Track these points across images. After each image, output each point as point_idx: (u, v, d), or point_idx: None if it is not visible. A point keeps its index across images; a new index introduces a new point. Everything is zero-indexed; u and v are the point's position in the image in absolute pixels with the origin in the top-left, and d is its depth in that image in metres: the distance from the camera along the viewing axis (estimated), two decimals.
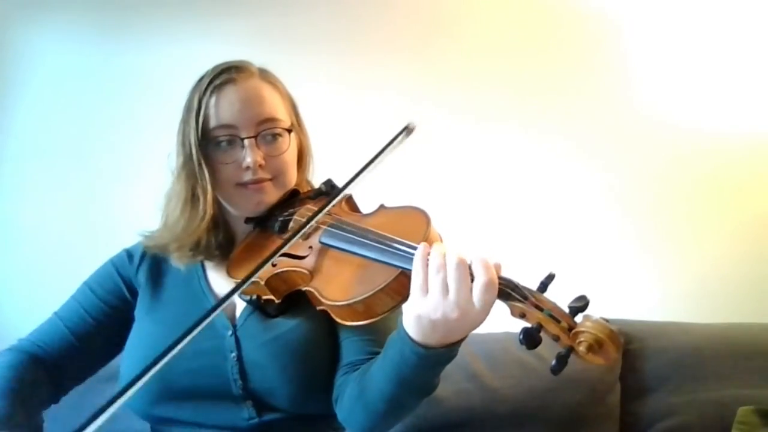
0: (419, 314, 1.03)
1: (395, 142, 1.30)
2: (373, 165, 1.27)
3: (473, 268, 1.00)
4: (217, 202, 1.36)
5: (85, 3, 2.48)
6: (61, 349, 1.42)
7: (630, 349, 2.13)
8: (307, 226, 1.22)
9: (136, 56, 2.47)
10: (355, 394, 1.22)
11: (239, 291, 1.16)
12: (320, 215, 1.24)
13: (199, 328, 1.09)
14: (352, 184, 1.27)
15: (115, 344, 1.42)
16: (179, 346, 1.07)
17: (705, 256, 2.46)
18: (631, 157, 2.48)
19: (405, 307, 1.06)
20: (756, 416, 1.90)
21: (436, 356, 1.06)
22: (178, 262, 1.39)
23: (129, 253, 1.49)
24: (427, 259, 1.03)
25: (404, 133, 1.31)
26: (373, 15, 2.48)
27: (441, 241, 1.16)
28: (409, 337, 1.06)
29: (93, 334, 1.43)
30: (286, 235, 1.32)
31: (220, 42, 2.40)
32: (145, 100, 2.42)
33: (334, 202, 1.27)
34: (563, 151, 2.48)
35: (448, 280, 1.00)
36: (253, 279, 1.28)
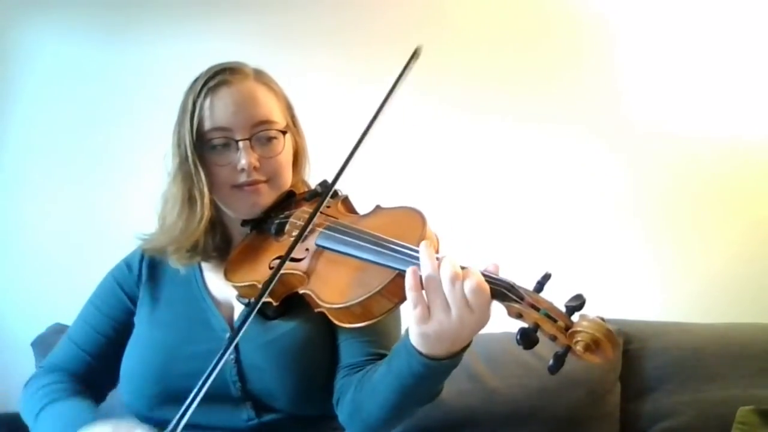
0: (425, 332, 1.03)
1: (407, 70, 1.32)
2: (387, 100, 1.30)
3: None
4: (213, 204, 1.36)
5: (83, 3, 2.48)
6: (83, 370, 1.44)
7: (630, 349, 2.14)
8: (308, 226, 1.22)
9: (134, 55, 2.47)
10: (357, 400, 1.22)
11: (260, 303, 1.17)
12: (325, 199, 1.25)
13: (221, 363, 1.10)
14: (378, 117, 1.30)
15: None
16: (202, 392, 1.09)
17: (706, 256, 2.47)
18: (634, 157, 2.48)
19: (409, 324, 1.07)
20: (756, 416, 1.90)
21: (443, 366, 1.07)
22: (176, 264, 1.39)
23: (127, 264, 1.49)
24: (421, 283, 1.02)
25: (414, 58, 1.33)
26: (370, 11, 2.48)
27: (437, 240, 1.15)
28: (416, 351, 1.07)
29: (108, 351, 1.44)
30: (284, 239, 1.32)
31: (218, 40, 2.40)
32: (144, 99, 2.42)
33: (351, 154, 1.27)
34: (566, 149, 2.49)
35: (447, 298, 1.00)
36: (249, 282, 1.29)
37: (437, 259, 1.03)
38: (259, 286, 1.26)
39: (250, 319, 1.14)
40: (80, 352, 1.44)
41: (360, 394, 1.21)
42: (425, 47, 2.44)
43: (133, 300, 1.46)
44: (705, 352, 2.11)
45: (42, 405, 1.35)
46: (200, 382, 1.09)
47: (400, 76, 1.31)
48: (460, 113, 2.46)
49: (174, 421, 1.08)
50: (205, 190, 1.32)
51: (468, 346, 1.08)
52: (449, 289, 1.00)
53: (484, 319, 1.01)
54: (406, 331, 1.09)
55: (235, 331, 1.15)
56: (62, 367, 1.45)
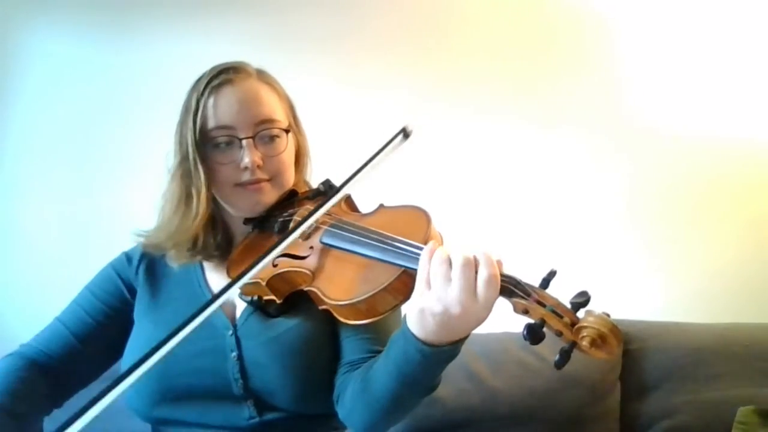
0: (422, 309, 1.03)
1: (391, 145, 1.30)
2: (369, 167, 1.27)
3: (477, 262, 1.01)
4: (213, 202, 1.37)
5: (84, 3, 2.48)
6: (64, 352, 1.42)
7: (630, 349, 2.13)
8: (302, 226, 1.22)
9: (135, 55, 2.48)
10: (357, 392, 1.22)
11: (238, 285, 1.16)
12: (316, 215, 1.24)
13: (198, 320, 1.08)
14: (348, 185, 1.27)
15: (118, 347, 1.42)
16: (175, 340, 1.06)
17: (706, 256, 2.47)
18: (634, 157, 2.48)
19: (408, 303, 1.07)
20: (756, 416, 1.90)
21: (439, 354, 1.07)
22: (175, 261, 1.39)
23: (128, 256, 1.50)
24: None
25: (401, 136, 1.31)
26: (371, 14, 2.49)
27: (441, 239, 1.16)
28: (413, 335, 1.06)
29: (95, 336, 1.43)
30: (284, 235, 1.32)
31: (219, 41, 2.41)
32: (144, 99, 2.43)
33: (330, 202, 1.26)
34: (566, 149, 2.49)
35: (452, 276, 1.00)
36: (253, 279, 1.28)
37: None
38: (263, 283, 1.26)
39: (237, 285, 1.15)
40: (67, 333, 1.42)
41: (359, 386, 1.22)
42: (423, 47, 2.47)
43: (131, 289, 1.46)
44: (705, 352, 2.10)
45: None
46: (184, 321, 1.08)
47: (383, 148, 1.30)
48: (461, 113, 2.46)
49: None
50: (203, 188, 1.32)
51: (465, 338, 1.08)
52: (459, 272, 1.00)
53: (485, 312, 1.01)
54: (404, 317, 1.09)
55: (216, 294, 1.13)
56: (42, 349, 1.42)
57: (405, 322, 1.08)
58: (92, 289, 1.47)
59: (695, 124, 2.46)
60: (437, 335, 1.05)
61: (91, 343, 1.43)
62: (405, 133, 1.31)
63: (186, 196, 1.34)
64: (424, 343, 1.06)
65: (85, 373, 1.45)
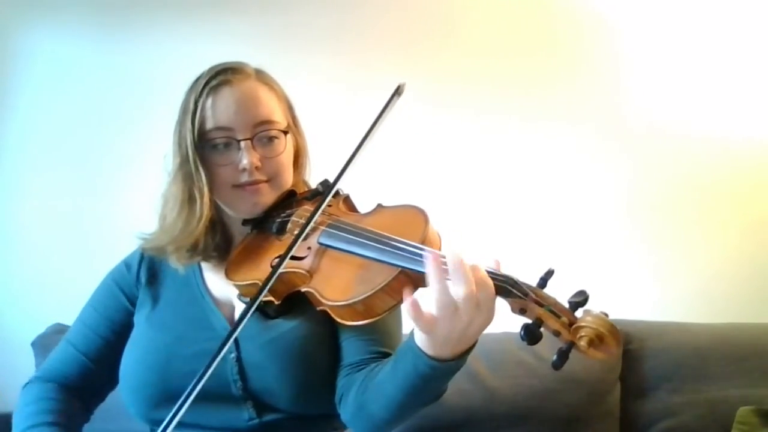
0: (430, 329, 1.03)
1: (389, 106, 1.30)
2: (372, 133, 1.28)
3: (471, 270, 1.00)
4: (214, 204, 1.36)
5: (84, 3, 2.48)
6: (80, 374, 1.44)
7: (630, 349, 2.13)
8: (310, 224, 1.22)
9: (135, 55, 2.48)
10: (361, 400, 1.22)
11: (253, 308, 1.16)
12: (326, 200, 1.25)
13: (218, 359, 1.11)
14: (359, 152, 1.27)
15: None
16: (201, 383, 1.10)
17: (705, 256, 2.47)
18: (634, 156, 2.48)
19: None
20: (756, 416, 1.90)
21: (449, 367, 1.07)
22: (176, 263, 1.39)
23: (126, 264, 1.49)
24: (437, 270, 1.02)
25: (396, 95, 1.30)
26: (371, 14, 2.49)
27: (440, 239, 1.15)
28: (423, 352, 1.06)
29: (106, 353, 1.44)
30: (286, 237, 1.32)
31: (217, 41, 2.41)
32: (144, 99, 2.43)
33: (339, 177, 1.26)
34: (566, 149, 2.49)
35: (454, 294, 1.00)
36: (251, 281, 1.29)
37: (442, 257, 1.02)
38: (261, 284, 1.26)
39: (248, 316, 1.14)
40: (78, 355, 1.44)
41: (364, 394, 1.21)
42: (423, 48, 2.47)
43: (132, 301, 1.46)
44: (705, 352, 2.10)
45: (22, 428, 1.35)
46: (199, 375, 1.09)
47: (382, 112, 1.30)
48: (461, 112, 2.46)
49: (170, 415, 1.08)
50: (205, 189, 1.32)
51: (473, 347, 1.08)
52: (461, 289, 0.99)
53: (489, 316, 1.01)
54: (411, 332, 1.09)
55: (234, 326, 1.14)
56: (59, 372, 1.45)
57: (412, 337, 1.08)
58: (95, 305, 1.48)
59: (695, 124, 2.46)
60: (447, 350, 1.05)
61: (102, 359, 1.44)
62: (398, 92, 1.31)
63: (189, 198, 1.34)
64: (434, 358, 1.06)
65: (103, 387, 1.48)
